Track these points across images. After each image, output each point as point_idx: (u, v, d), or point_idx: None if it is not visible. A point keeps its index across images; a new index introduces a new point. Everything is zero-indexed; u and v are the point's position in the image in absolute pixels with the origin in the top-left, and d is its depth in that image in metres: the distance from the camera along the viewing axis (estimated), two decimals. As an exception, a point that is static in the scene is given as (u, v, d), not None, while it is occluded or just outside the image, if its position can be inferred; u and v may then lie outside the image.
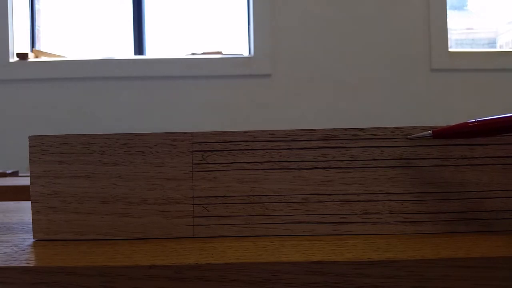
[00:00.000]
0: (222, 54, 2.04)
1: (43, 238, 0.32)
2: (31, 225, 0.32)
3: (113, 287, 0.25)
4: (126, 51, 2.12)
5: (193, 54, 2.05)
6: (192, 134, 0.31)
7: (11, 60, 1.94)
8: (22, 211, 0.43)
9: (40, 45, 2.12)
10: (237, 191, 0.31)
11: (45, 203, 0.31)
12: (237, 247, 0.29)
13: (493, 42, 2.21)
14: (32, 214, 0.31)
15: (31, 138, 0.32)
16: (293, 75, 1.98)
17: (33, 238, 0.32)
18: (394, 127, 0.31)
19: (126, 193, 0.31)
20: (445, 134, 0.30)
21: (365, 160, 0.31)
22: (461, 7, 2.22)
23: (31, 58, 2.00)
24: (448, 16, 1.99)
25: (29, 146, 0.32)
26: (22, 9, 2.04)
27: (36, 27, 2.11)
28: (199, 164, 0.31)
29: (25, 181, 0.79)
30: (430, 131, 0.30)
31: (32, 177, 0.31)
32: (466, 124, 0.29)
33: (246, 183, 0.31)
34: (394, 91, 1.98)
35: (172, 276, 0.25)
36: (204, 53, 2.04)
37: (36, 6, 2.11)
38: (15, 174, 0.98)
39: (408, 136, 0.31)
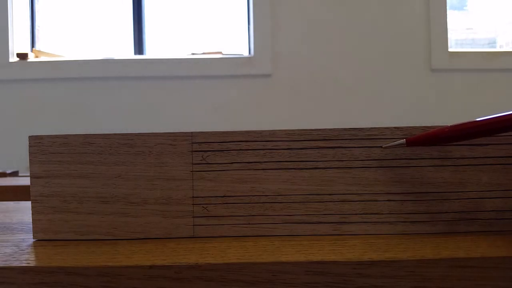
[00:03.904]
0: (222, 54, 2.04)
1: (43, 238, 0.31)
2: (31, 225, 0.32)
3: (113, 287, 0.25)
4: (126, 51, 2.12)
5: (193, 54, 2.05)
6: (192, 134, 0.31)
7: (11, 60, 1.94)
8: (22, 211, 0.43)
9: (40, 45, 2.12)
10: (237, 191, 0.31)
11: (45, 203, 0.31)
12: (237, 247, 0.29)
13: (493, 42, 2.21)
14: (32, 214, 0.31)
15: (31, 138, 0.32)
16: (293, 75, 1.98)
17: (33, 238, 0.32)
18: (394, 127, 0.31)
19: (126, 193, 0.31)
20: (420, 142, 0.30)
21: (365, 160, 0.31)
22: (461, 7, 2.22)
23: (31, 58, 2.00)
24: (448, 16, 1.99)
25: (29, 146, 0.31)
26: (22, 9, 2.04)
27: (36, 27, 2.11)
28: (199, 164, 0.31)
29: (25, 181, 0.79)
30: (404, 140, 0.30)
31: (32, 177, 0.31)
32: (441, 130, 0.29)
33: (246, 183, 0.31)
34: (394, 91, 1.99)
35: (172, 276, 0.25)
36: (204, 53, 2.04)
37: (36, 6, 2.11)
38: (15, 174, 0.98)
39: (383, 146, 0.31)
